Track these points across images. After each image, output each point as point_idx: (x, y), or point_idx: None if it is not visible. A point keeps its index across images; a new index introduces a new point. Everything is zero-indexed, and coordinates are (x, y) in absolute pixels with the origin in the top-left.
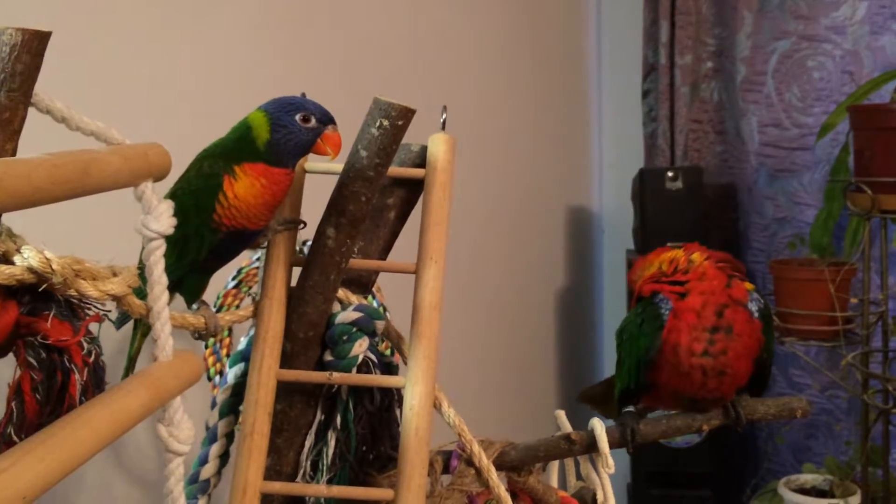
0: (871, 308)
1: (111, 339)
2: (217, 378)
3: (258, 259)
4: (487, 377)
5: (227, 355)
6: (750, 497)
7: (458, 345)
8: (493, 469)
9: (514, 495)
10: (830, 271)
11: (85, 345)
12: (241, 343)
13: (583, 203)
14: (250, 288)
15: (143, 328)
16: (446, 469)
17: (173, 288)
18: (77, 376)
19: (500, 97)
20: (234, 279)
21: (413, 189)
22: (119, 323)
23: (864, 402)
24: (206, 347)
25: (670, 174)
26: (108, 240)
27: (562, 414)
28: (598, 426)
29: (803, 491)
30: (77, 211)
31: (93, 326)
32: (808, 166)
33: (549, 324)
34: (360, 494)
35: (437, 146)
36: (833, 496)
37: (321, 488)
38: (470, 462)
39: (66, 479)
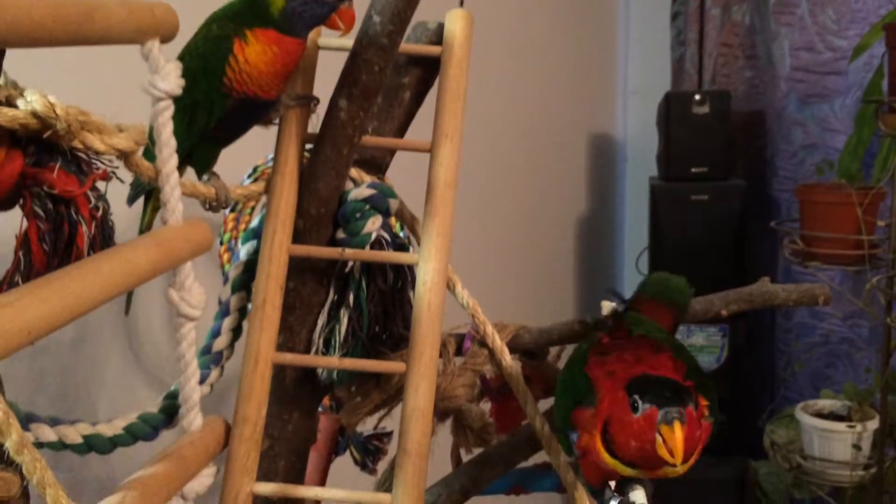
0: None
1: None
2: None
3: (273, 159)
4: (504, 293)
5: None
6: (766, 422)
7: (476, 259)
8: (506, 351)
9: (527, 380)
10: (858, 194)
11: (92, 198)
12: (254, 221)
13: (606, 130)
14: None
15: (154, 202)
16: (459, 351)
17: (184, 160)
18: (84, 228)
19: (523, 16)
20: (249, 177)
21: (429, 69)
22: (130, 199)
23: (888, 325)
24: (221, 244)
25: (697, 98)
26: (115, 105)
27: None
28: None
29: (821, 416)
30: (84, 73)
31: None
32: (840, 91)
33: (569, 249)
34: (372, 367)
35: (455, 23)
36: (851, 421)
37: (333, 360)
38: (483, 343)
39: (87, 383)
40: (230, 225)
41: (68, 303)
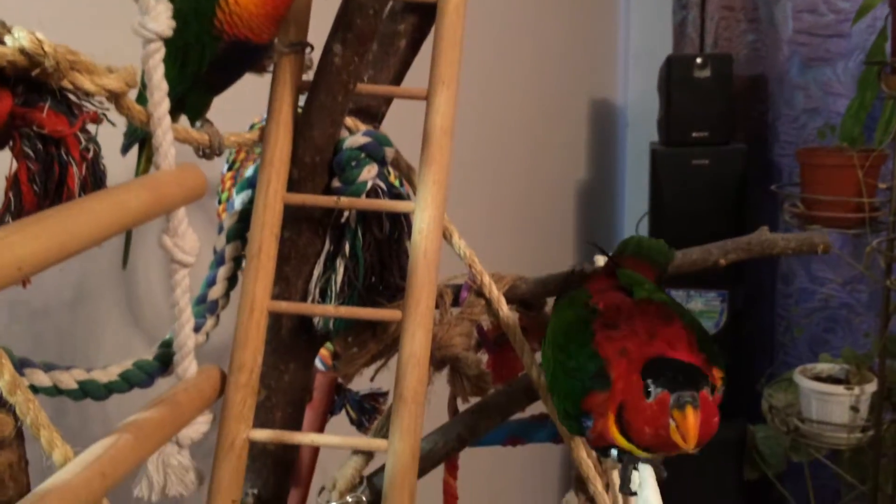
0: None
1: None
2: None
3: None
4: (503, 257)
5: None
6: (764, 387)
7: (475, 224)
8: (503, 300)
9: (524, 331)
10: (860, 157)
11: (82, 139)
12: (249, 170)
13: (607, 94)
14: None
15: (147, 151)
16: (456, 301)
17: (177, 107)
18: (75, 169)
19: None
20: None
21: (425, 16)
22: (124, 148)
23: (887, 287)
24: (220, 203)
25: (699, 61)
26: (105, 48)
27: (601, 259)
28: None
29: (819, 379)
30: (73, 14)
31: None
32: (843, 54)
33: (569, 213)
34: (368, 314)
35: None
36: (849, 384)
37: (329, 308)
38: (480, 293)
39: (86, 345)
40: (228, 184)
41: (60, 240)
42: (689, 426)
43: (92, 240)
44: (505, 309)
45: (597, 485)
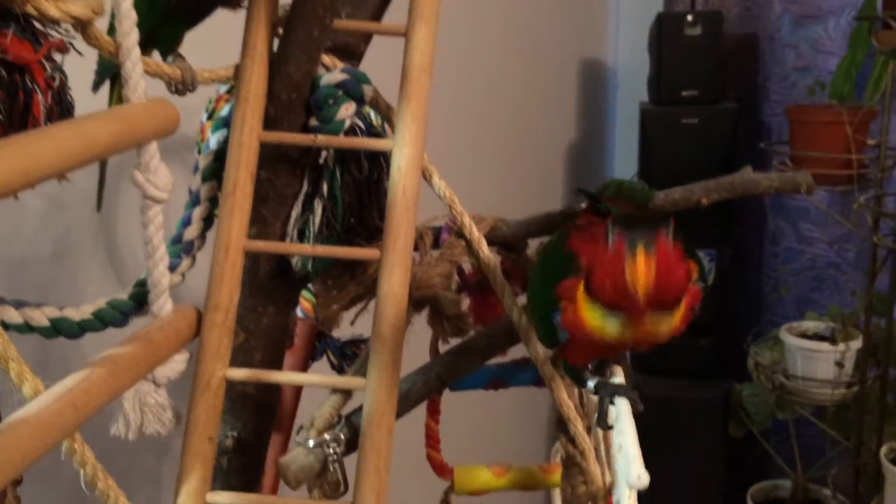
0: (889, 152)
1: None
2: None
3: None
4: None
5: None
6: (751, 345)
7: (464, 185)
8: (483, 241)
9: (506, 274)
10: (849, 113)
11: (48, 67)
12: (224, 110)
13: (597, 54)
14: None
15: (119, 89)
16: (437, 243)
17: (148, 41)
18: (40, 97)
19: None
20: (226, 88)
21: None
22: (95, 85)
23: (874, 243)
24: (199, 153)
25: (689, 19)
26: None
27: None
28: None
29: (805, 337)
30: None
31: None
32: (834, 11)
33: (558, 174)
34: (345, 253)
35: None
36: (835, 342)
37: (306, 247)
38: (460, 234)
39: (67, 299)
40: (207, 133)
41: (23, 166)
42: (638, 269)
43: (57, 168)
44: (485, 250)
45: (577, 425)
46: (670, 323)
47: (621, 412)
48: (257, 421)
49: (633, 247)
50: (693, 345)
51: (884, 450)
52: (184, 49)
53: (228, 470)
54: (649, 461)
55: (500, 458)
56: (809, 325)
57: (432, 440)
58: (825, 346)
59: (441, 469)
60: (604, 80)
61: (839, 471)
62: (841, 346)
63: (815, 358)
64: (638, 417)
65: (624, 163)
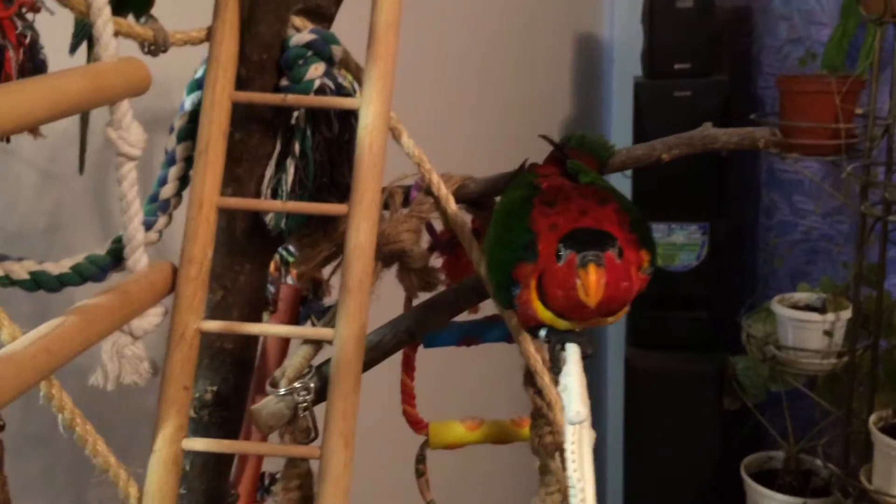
0: (876, 121)
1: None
2: None
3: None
4: None
5: None
6: (744, 317)
7: (459, 162)
8: (451, 198)
9: (475, 232)
10: (837, 82)
11: (19, 24)
12: (198, 72)
13: (593, 29)
14: None
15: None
16: (406, 202)
17: (121, 5)
18: (11, 53)
19: None
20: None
21: None
22: (72, 48)
23: (862, 213)
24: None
25: None
26: None
27: None
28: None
29: (797, 308)
30: None
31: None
32: None
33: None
34: (314, 209)
35: None
36: (824, 312)
37: (276, 204)
38: (428, 192)
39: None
40: None
41: None
42: (591, 282)
43: (28, 121)
44: (453, 206)
45: (544, 377)
46: (614, 319)
47: (570, 356)
48: (236, 376)
49: (584, 263)
50: (688, 318)
51: (873, 418)
52: (159, 12)
53: (209, 423)
54: (644, 435)
55: (481, 413)
56: (801, 296)
57: (408, 396)
58: (815, 316)
59: (417, 424)
60: (600, 54)
61: (829, 440)
62: (830, 316)
63: (805, 328)
64: (633, 390)
65: (619, 137)
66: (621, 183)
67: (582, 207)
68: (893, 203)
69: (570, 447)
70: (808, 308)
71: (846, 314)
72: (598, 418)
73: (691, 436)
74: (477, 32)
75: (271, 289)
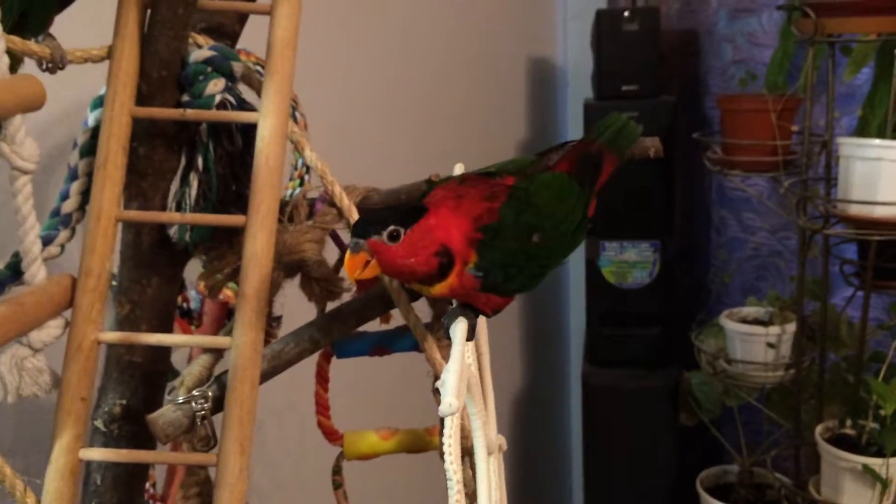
0: (813, 138)
1: None
2: None
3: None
4: None
5: None
6: (696, 333)
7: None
8: (354, 209)
9: None
10: (774, 101)
11: None
12: (102, 90)
13: (546, 54)
14: None
15: None
16: (311, 215)
17: (19, 25)
18: None
19: None
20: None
21: None
22: None
23: (801, 227)
24: None
25: (626, 15)
26: None
27: (459, 166)
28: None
29: (745, 322)
30: None
31: None
32: (767, 4)
33: None
34: (212, 220)
35: None
36: (767, 325)
37: (175, 215)
38: (332, 203)
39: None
40: None
41: None
42: (346, 266)
43: None
44: (355, 216)
45: None
46: (436, 289)
47: (454, 335)
48: (146, 389)
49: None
50: (642, 335)
51: (819, 429)
52: (75, 32)
53: (119, 437)
54: (601, 451)
55: (398, 423)
56: (749, 310)
57: (322, 407)
58: (760, 329)
59: (331, 435)
60: (553, 78)
61: (779, 452)
62: (775, 329)
63: (751, 341)
64: (590, 407)
65: None
66: None
67: (460, 194)
68: (833, 217)
69: (446, 441)
70: (757, 322)
71: (792, 327)
72: (562, 436)
73: (649, 452)
74: (431, 57)
75: (198, 303)
